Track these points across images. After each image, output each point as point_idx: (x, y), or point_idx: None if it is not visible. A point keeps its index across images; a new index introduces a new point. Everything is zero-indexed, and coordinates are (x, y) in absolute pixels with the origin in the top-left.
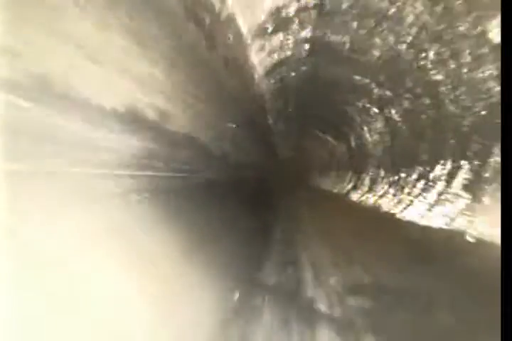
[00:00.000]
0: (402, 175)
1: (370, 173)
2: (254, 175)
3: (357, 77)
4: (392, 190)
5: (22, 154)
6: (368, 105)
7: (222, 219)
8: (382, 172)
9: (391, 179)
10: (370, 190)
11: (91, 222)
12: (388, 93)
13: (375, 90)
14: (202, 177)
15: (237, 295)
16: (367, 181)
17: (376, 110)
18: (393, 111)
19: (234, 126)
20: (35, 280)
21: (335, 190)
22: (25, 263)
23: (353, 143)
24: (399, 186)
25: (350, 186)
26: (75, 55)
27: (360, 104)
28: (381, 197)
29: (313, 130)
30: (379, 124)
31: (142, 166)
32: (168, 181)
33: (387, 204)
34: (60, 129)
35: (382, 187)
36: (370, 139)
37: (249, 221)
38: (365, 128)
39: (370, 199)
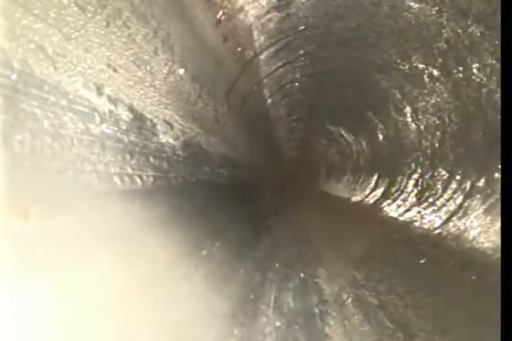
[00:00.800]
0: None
1: (415, 176)
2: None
3: (412, 3)
4: (477, 204)
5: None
6: (423, 65)
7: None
8: (442, 174)
9: (464, 185)
10: (422, 200)
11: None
12: (475, 29)
13: (446, 29)
14: (191, 178)
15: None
16: (410, 187)
17: (436, 72)
18: (475, 66)
19: (182, 71)
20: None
21: (354, 198)
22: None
23: (380, 136)
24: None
25: (379, 193)
26: None
27: (405, 65)
28: (452, 215)
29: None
30: (437, 98)
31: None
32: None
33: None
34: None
35: (449, 198)
36: (413, 125)
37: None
38: (408, 109)
39: (431, 216)
